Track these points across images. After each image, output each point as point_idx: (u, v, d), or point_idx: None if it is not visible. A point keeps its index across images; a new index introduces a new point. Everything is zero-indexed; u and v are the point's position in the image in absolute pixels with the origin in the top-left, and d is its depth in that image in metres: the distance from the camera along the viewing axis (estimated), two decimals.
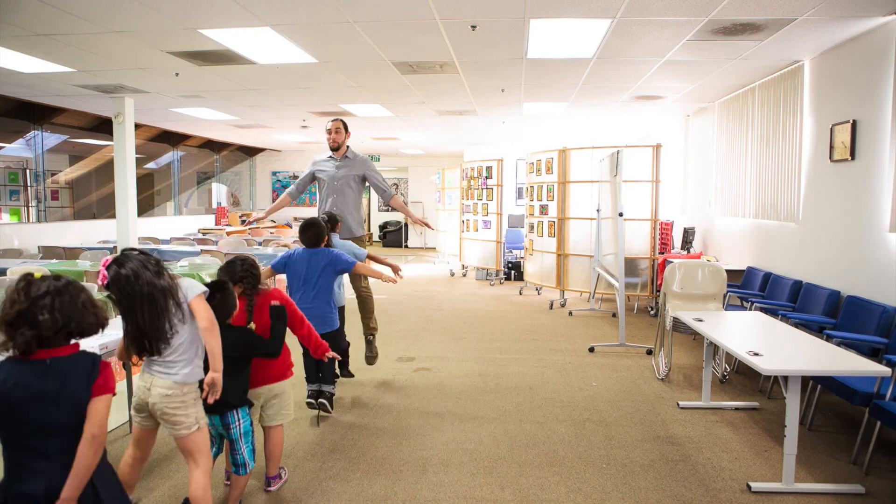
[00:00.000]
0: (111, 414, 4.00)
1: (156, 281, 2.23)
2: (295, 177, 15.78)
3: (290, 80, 6.61)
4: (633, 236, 7.51)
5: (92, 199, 14.05)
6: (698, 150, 8.57)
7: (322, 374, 3.96)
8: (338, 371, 4.36)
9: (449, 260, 12.69)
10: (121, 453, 3.42)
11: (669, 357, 4.97)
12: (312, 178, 4.89)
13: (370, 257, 4.53)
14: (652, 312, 7.59)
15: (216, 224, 13.63)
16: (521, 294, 9.10)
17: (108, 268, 2.26)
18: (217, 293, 2.56)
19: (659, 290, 6.51)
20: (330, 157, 4.79)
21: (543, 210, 8.63)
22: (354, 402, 4.28)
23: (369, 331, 4.78)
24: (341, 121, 4.73)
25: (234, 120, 9.69)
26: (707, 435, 3.72)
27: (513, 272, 10.54)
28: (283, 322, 2.99)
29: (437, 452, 3.46)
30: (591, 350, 5.75)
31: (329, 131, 4.70)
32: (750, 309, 5.23)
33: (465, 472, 3.21)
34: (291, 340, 3.21)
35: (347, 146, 4.78)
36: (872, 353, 3.78)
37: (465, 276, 11.23)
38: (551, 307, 8.01)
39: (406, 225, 17.61)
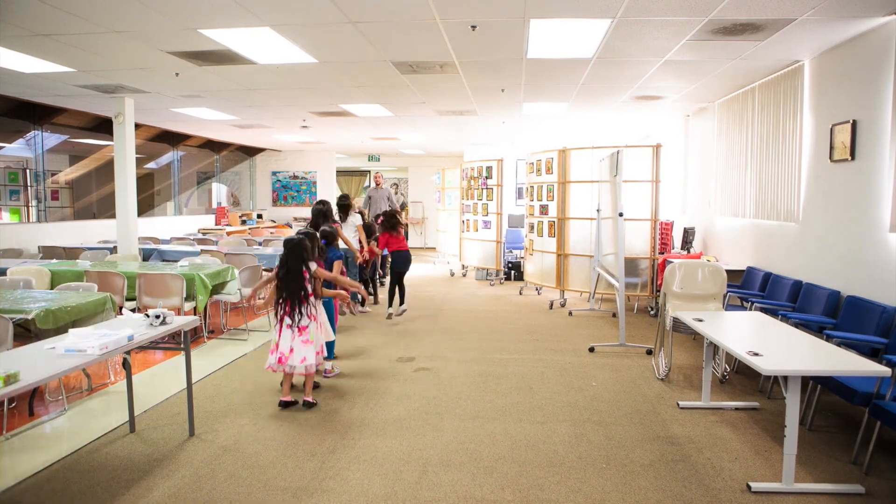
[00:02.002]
0: (111, 414, 4.01)
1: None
2: (295, 177, 15.81)
3: (290, 80, 6.61)
4: (633, 236, 7.51)
5: (92, 199, 14.05)
6: (698, 150, 8.57)
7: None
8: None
9: (449, 260, 12.70)
10: (120, 454, 3.43)
11: (669, 357, 4.97)
12: (369, 198, 10.50)
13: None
14: (652, 312, 7.59)
15: (216, 224, 13.63)
16: (521, 294, 9.10)
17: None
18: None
19: (659, 290, 6.51)
20: (374, 188, 10.61)
21: (543, 210, 8.63)
22: (354, 403, 4.28)
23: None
24: (380, 174, 10.92)
25: (234, 120, 9.69)
26: (707, 435, 3.72)
27: (513, 272, 10.54)
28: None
29: (437, 452, 3.46)
30: (591, 350, 5.75)
31: (376, 178, 10.80)
32: (750, 309, 5.23)
33: (465, 472, 3.21)
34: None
35: (382, 183, 10.69)
36: (872, 353, 3.78)
37: (465, 276, 11.23)
38: (551, 307, 8.01)
39: (406, 225, 17.63)
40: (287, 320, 4.12)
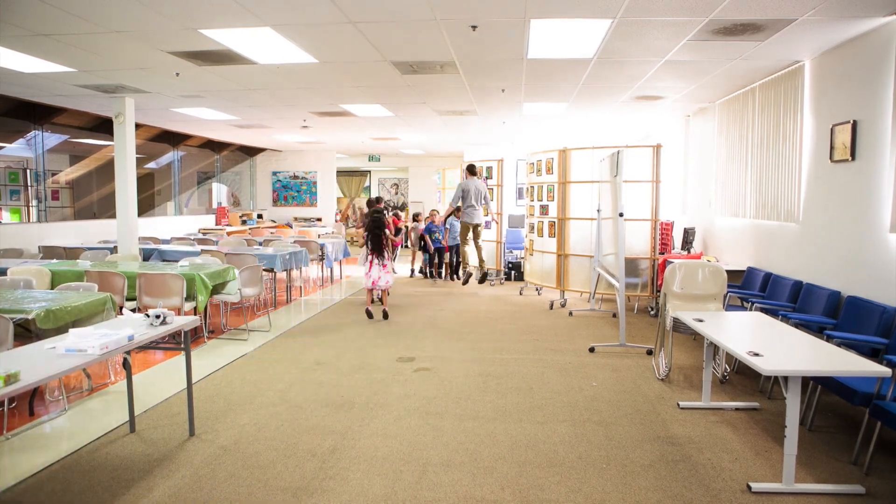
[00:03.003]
0: (111, 414, 4.02)
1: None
2: (295, 177, 15.81)
3: (290, 80, 6.61)
4: (633, 236, 7.50)
5: (92, 199, 14.05)
6: (698, 150, 8.57)
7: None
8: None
9: None
10: (120, 454, 3.44)
11: (670, 357, 4.97)
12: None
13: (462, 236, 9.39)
14: (652, 313, 7.59)
15: (216, 224, 13.64)
16: (521, 294, 9.10)
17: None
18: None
19: (659, 291, 6.51)
20: (467, 180, 9.09)
21: (544, 210, 8.63)
22: (354, 402, 4.28)
23: (481, 264, 9.41)
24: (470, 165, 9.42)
25: (234, 120, 9.69)
26: (707, 435, 3.72)
27: (513, 272, 10.53)
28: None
29: (437, 452, 3.46)
30: (592, 350, 5.75)
31: (469, 175, 9.24)
32: (750, 309, 5.22)
33: (465, 472, 3.21)
34: None
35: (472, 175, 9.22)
36: (872, 354, 3.78)
37: None
38: (551, 307, 8.01)
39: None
40: (375, 261, 7.20)
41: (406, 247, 12.33)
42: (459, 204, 9.10)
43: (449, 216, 9.85)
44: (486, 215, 9.54)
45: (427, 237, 10.57)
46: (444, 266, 10.83)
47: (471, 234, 9.21)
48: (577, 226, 8.16)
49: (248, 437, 3.65)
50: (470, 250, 9.37)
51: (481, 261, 9.38)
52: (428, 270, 10.94)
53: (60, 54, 5.44)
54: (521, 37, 4.88)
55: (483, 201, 9.15)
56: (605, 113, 8.77)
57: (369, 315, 7.17)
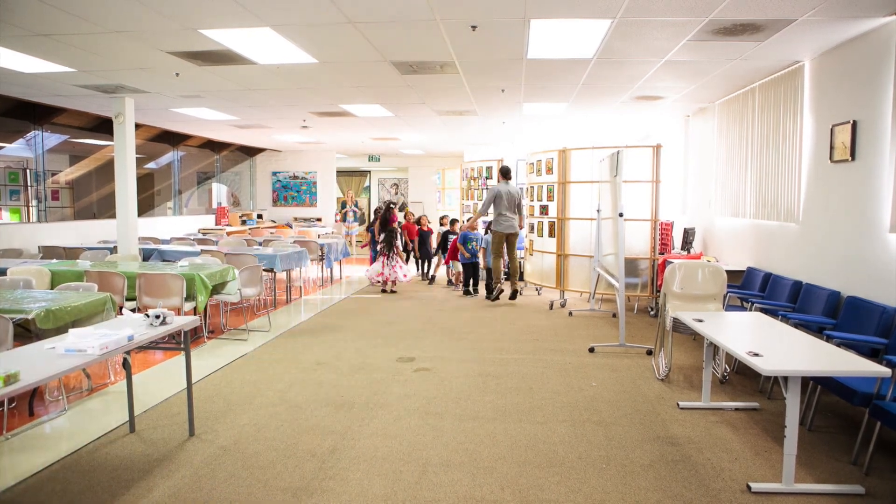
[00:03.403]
0: (111, 414, 4.01)
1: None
2: (295, 177, 15.80)
3: (290, 80, 6.61)
4: (633, 236, 7.50)
5: (92, 199, 14.05)
6: (698, 150, 8.57)
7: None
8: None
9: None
10: (120, 454, 3.43)
11: (669, 357, 4.97)
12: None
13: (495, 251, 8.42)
14: (652, 313, 7.59)
15: (216, 224, 13.63)
16: (521, 294, 9.10)
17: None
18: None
19: (659, 291, 6.51)
20: (500, 184, 8.22)
21: (544, 210, 8.63)
22: (354, 402, 4.28)
23: (513, 278, 8.45)
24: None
25: (234, 120, 9.69)
26: (707, 435, 3.72)
27: None
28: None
29: (437, 452, 3.46)
30: (591, 350, 5.75)
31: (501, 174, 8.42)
32: (750, 309, 5.23)
33: (465, 472, 3.21)
34: None
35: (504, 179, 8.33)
36: (872, 354, 3.79)
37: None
38: (551, 307, 8.01)
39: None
40: (385, 261, 9.00)
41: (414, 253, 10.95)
42: (489, 212, 8.22)
43: (477, 221, 9.06)
44: (521, 226, 8.34)
45: (461, 247, 9.05)
46: (478, 282, 9.29)
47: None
48: (577, 226, 8.16)
49: (248, 438, 3.65)
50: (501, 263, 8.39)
51: (514, 273, 8.34)
52: (471, 287, 9.19)
53: (60, 54, 5.44)
54: (520, 37, 4.88)
55: (517, 209, 8.08)
56: (605, 113, 8.77)
57: (384, 291, 9.13)
